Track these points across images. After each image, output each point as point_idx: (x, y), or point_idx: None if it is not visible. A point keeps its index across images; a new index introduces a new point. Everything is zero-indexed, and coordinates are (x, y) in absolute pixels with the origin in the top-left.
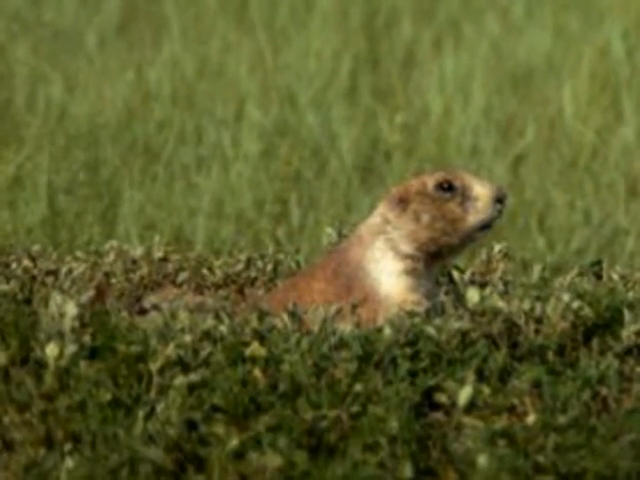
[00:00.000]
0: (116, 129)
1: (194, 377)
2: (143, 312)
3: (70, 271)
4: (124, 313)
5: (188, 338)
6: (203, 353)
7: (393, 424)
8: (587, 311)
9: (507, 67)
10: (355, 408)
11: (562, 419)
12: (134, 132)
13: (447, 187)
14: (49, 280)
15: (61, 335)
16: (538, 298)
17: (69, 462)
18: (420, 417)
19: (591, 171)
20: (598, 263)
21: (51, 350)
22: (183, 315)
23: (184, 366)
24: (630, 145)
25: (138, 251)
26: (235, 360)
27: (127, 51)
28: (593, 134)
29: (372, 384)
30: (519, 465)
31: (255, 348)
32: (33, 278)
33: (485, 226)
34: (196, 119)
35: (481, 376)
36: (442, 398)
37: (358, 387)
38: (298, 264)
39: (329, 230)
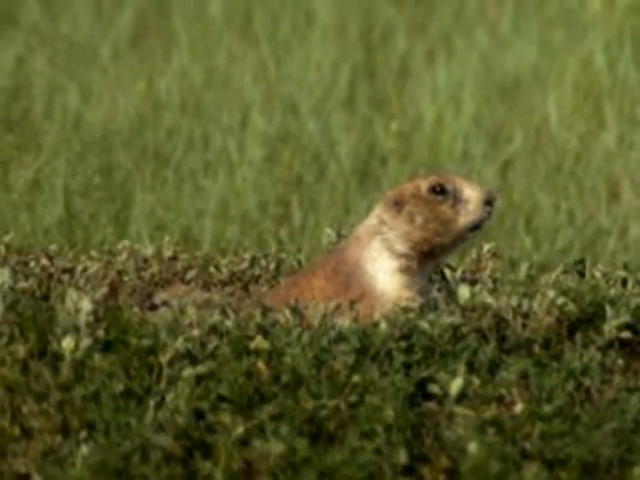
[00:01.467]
0: (128, 136)
1: (201, 369)
2: (154, 308)
3: (85, 269)
4: (136, 309)
5: (196, 332)
6: (210, 346)
7: (389, 413)
8: (571, 307)
9: (496, 78)
10: (353, 398)
11: (548, 408)
12: (145, 139)
13: (439, 190)
14: (65, 278)
15: (77, 329)
16: (525, 295)
17: (84, 449)
18: (414, 407)
19: (575, 175)
20: (581, 262)
21: (67, 343)
22: (191, 311)
23: (192, 358)
24: (611, 151)
25: (149, 250)
26: (240, 353)
27: (139, 63)
28: (577, 140)
29: (369, 375)
30: (507, 452)
31: (259, 342)
32: (50, 276)
33: (475, 227)
34: (203, 126)
35: (471, 368)
36: (435, 389)
37: (356, 378)
38: (299, 263)
39: (328, 231)
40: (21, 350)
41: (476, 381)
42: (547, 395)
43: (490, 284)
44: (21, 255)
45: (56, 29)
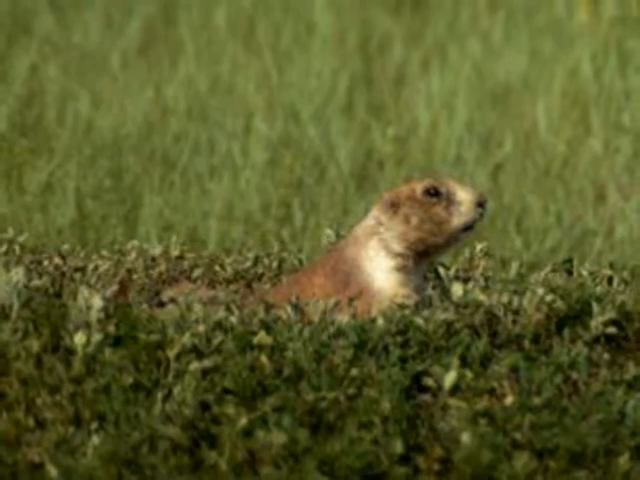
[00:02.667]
0: (137, 140)
1: (207, 363)
2: (161, 305)
3: (96, 268)
4: (144, 305)
5: (202, 328)
6: (215, 341)
7: (385, 405)
8: (559, 304)
9: (487, 86)
10: (351, 390)
11: (537, 400)
12: (153, 143)
13: (434, 192)
14: (77, 276)
15: (88, 325)
16: (515, 292)
17: (95, 439)
18: (410, 399)
19: (563, 178)
20: (569, 261)
21: (79, 338)
22: (197, 307)
23: (198, 353)
24: (597, 155)
25: (157, 250)
26: (244, 348)
27: (147, 70)
28: (564, 145)
29: (367, 369)
30: (498, 442)
31: (262, 337)
32: (63, 274)
33: (468, 227)
34: (209, 131)
35: (464, 362)
36: (429, 382)
37: (354, 372)
38: (300, 262)
39: (328, 231)
40: (35, 345)
41: (469, 374)
42: (536, 388)
43: (482, 282)
44: (35, 254)
45: (68, 39)
